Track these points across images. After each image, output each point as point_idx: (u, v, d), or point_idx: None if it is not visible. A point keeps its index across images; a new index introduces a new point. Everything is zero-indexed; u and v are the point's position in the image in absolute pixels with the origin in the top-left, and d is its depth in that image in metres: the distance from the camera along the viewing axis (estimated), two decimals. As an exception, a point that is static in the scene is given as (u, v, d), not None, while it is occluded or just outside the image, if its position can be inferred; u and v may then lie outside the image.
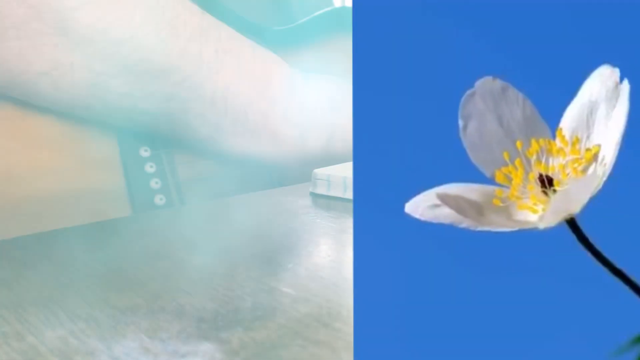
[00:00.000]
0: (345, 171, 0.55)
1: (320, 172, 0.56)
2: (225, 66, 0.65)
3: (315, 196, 0.56)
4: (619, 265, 0.24)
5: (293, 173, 0.72)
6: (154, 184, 0.66)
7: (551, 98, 0.26)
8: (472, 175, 0.26)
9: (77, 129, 0.63)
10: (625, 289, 0.24)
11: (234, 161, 0.70)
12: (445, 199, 0.24)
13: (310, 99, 0.71)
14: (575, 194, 0.23)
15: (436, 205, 0.25)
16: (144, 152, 0.66)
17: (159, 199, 0.66)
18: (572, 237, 0.24)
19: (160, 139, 0.67)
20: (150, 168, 0.66)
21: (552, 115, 0.26)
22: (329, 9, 0.83)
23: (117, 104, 0.61)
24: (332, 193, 0.55)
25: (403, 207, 0.26)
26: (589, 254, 0.24)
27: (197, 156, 0.69)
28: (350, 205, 0.52)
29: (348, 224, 0.47)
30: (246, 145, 0.68)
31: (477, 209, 0.24)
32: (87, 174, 0.63)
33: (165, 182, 0.66)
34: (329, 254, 0.43)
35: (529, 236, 0.25)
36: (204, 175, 0.70)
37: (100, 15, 0.57)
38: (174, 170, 0.67)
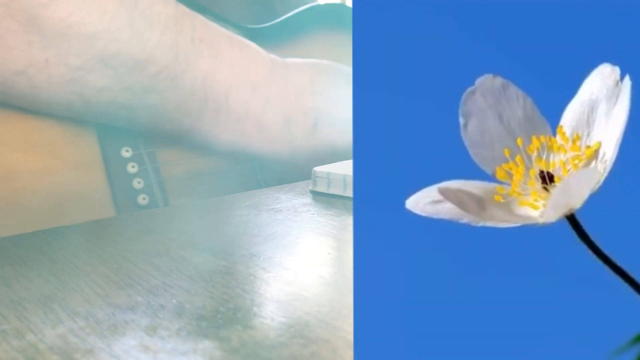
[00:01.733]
0: (345, 169, 0.55)
1: (320, 170, 0.56)
2: (203, 55, 0.64)
3: (315, 194, 0.56)
4: (619, 263, 0.24)
5: (281, 163, 0.71)
6: (137, 183, 0.65)
7: (551, 96, 0.26)
8: (473, 174, 0.26)
9: (56, 131, 0.63)
10: (625, 286, 0.24)
11: (220, 154, 0.69)
12: (446, 193, 0.24)
13: (292, 84, 0.70)
14: (575, 188, 0.23)
15: (437, 201, 0.25)
16: (125, 153, 0.65)
17: (142, 199, 0.65)
18: (573, 236, 0.24)
19: (141, 136, 0.67)
20: (132, 168, 0.66)
21: (551, 113, 0.26)
22: (310, 5, 0.83)
23: (95, 98, 0.61)
24: (332, 191, 0.55)
25: (403, 205, 0.26)
26: (589, 252, 0.24)
27: (182, 151, 0.69)
28: (351, 203, 0.52)
29: (348, 221, 0.47)
30: (230, 135, 0.68)
31: (478, 203, 0.24)
32: (68, 175, 0.63)
33: (148, 182, 0.66)
34: (329, 252, 0.43)
35: (529, 235, 0.25)
36: (192, 174, 0.69)
37: (72, 9, 0.57)
38: (157, 170, 0.67)
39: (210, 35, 0.65)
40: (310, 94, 0.70)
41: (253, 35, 0.76)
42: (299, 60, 0.73)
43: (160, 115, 0.64)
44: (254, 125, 0.68)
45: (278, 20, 0.80)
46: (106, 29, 0.58)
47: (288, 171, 0.72)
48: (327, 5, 0.84)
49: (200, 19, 0.65)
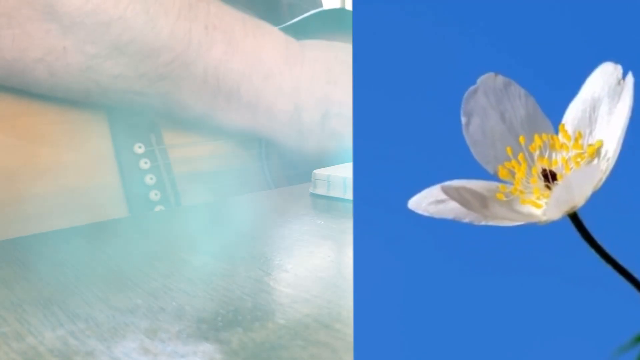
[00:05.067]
0: (345, 172, 0.55)
1: (320, 172, 0.56)
2: (216, 42, 0.65)
3: (315, 197, 0.56)
4: (621, 261, 0.24)
5: (289, 151, 0.72)
6: (149, 179, 0.66)
7: (553, 94, 0.26)
8: (475, 173, 0.25)
9: (70, 127, 0.64)
10: (628, 285, 0.23)
11: (231, 135, 0.70)
12: (449, 191, 0.24)
13: (306, 71, 0.71)
14: (577, 185, 0.23)
15: (440, 201, 0.25)
16: (138, 149, 0.66)
17: (154, 194, 0.66)
18: (575, 235, 0.24)
19: (153, 132, 0.67)
20: (144, 164, 0.66)
21: (553, 112, 0.26)
22: (318, 10, 0.83)
23: (112, 85, 0.62)
24: (332, 193, 0.55)
25: (403, 207, 0.26)
26: (591, 251, 0.24)
27: (193, 147, 0.70)
28: (350, 206, 0.52)
29: (348, 224, 0.47)
30: (241, 120, 0.69)
31: (481, 202, 0.24)
32: (82, 171, 0.64)
33: (160, 178, 0.67)
34: (328, 255, 0.43)
35: (530, 235, 0.25)
36: (202, 171, 0.70)
37: None
38: (169, 166, 0.68)
39: (224, 22, 0.66)
40: (325, 82, 0.71)
41: None
42: (317, 42, 0.73)
43: (174, 101, 0.65)
44: (264, 112, 0.69)
45: (285, 25, 0.80)
46: (121, 16, 0.59)
47: (295, 171, 0.73)
48: (332, 10, 0.85)
49: (215, 4, 0.66)
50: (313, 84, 0.71)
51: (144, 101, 0.64)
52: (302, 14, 0.82)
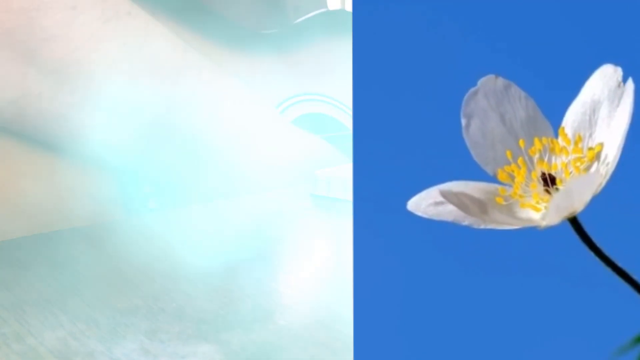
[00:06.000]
0: (345, 172, 0.55)
1: (320, 173, 0.56)
2: (200, 110, 0.64)
3: (315, 197, 0.56)
4: (621, 264, 0.23)
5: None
6: (147, 187, 0.66)
7: (553, 97, 0.26)
8: (473, 176, 0.25)
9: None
10: (627, 288, 0.23)
11: (225, 168, 0.70)
12: (447, 196, 0.24)
13: (288, 150, 0.70)
14: (577, 192, 0.23)
15: (439, 203, 0.24)
16: None
17: (152, 202, 0.66)
18: (574, 238, 0.24)
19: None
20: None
21: (554, 114, 0.25)
22: (322, 10, 0.83)
23: (82, 137, 0.60)
24: (332, 194, 0.55)
25: (403, 207, 0.26)
26: (591, 254, 0.24)
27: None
28: (350, 206, 0.52)
29: (348, 224, 0.47)
30: (215, 181, 0.67)
31: (480, 206, 0.24)
32: (81, 177, 0.63)
33: (159, 185, 0.66)
34: (329, 255, 0.43)
35: (530, 236, 0.25)
36: (197, 177, 0.70)
37: (73, 48, 0.56)
38: (168, 173, 0.67)
39: (213, 89, 0.65)
40: (305, 163, 0.70)
41: (265, 40, 0.76)
42: (304, 132, 0.72)
43: (148, 159, 0.64)
44: (240, 180, 0.68)
45: (290, 25, 0.80)
46: (104, 71, 0.57)
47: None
48: (334, 11, 0.85)
49: (208, 69, 0.65)
50: (293, 163, 0.70)
51: (115, 155, 0.63)
52: (307, 14, 0.81)
